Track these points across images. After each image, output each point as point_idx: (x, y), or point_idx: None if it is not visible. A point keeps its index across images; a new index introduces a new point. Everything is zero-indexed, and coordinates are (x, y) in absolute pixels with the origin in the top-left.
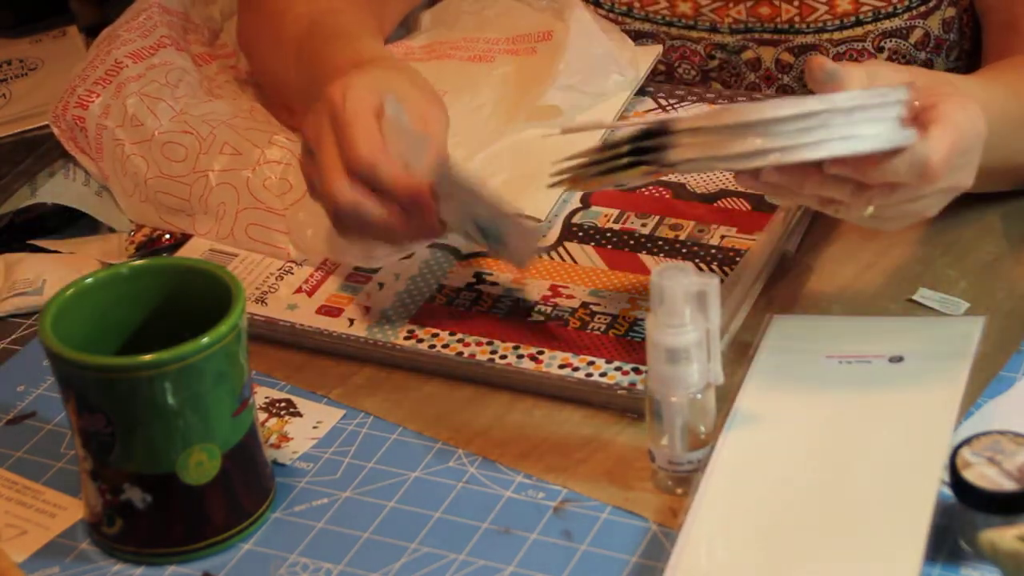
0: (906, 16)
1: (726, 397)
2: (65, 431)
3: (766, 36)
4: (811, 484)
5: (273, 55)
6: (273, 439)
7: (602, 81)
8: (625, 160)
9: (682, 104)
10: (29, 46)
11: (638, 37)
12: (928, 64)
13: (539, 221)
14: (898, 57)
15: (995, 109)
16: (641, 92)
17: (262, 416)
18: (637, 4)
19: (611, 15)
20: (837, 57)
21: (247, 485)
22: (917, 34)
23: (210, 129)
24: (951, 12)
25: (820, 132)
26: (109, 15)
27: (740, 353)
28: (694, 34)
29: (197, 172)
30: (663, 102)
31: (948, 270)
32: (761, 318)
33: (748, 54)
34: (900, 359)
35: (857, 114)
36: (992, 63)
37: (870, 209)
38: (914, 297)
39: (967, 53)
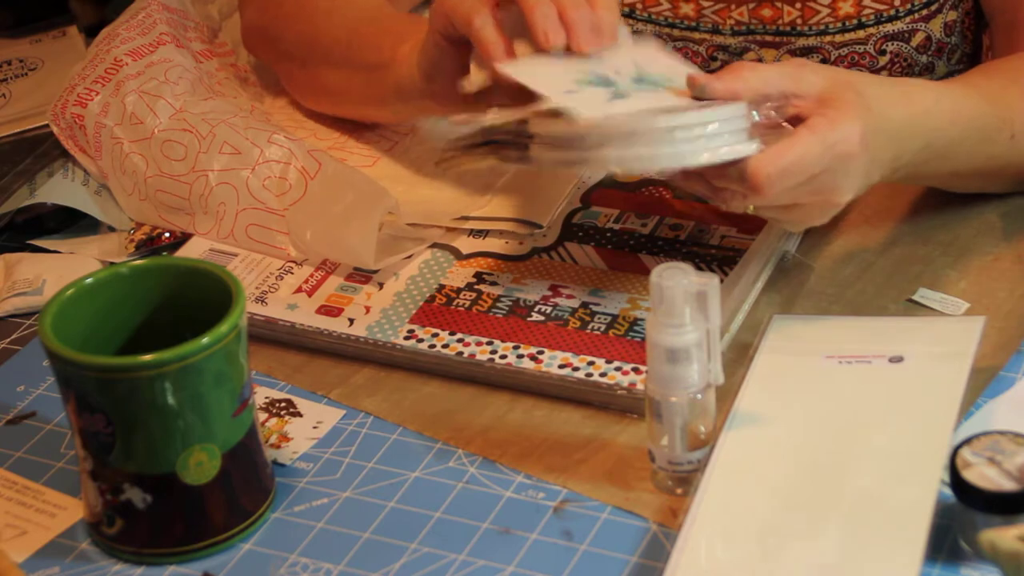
0: (908, 19)
1: (726, 397)
2: (65, 431)
3: (768, 38)
4: (811, 484)
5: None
6: (273, 439)
7: None
8: (489, 147)
9: None
10: (29, 46)
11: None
12: (929, 67)
13: (539, 227)
14: (900, 60)
15: (964, 114)
16: None
17: (262, 416)
18: (639, 5)
19: None
20: (839, 60)
21: (247, 485)
22: (919, 37)
23: (210, 128)
24: (953, 15)
25: (666, 146)
26: (109, 15)
27: (740, 353)
28: (696, 36)
29: (197, 171)
30: None
31: (948, 270)
32: (761, 318)
33: (750, 56)
34: (900, 359)
35: (696, 129)
36: (984, 64)
37: (751, 207)
38: (914, 297)
39: (968, 56)
